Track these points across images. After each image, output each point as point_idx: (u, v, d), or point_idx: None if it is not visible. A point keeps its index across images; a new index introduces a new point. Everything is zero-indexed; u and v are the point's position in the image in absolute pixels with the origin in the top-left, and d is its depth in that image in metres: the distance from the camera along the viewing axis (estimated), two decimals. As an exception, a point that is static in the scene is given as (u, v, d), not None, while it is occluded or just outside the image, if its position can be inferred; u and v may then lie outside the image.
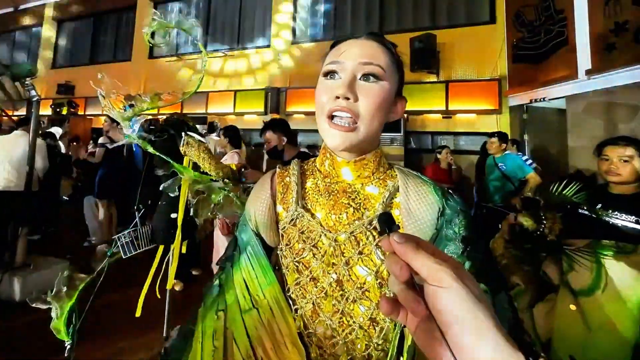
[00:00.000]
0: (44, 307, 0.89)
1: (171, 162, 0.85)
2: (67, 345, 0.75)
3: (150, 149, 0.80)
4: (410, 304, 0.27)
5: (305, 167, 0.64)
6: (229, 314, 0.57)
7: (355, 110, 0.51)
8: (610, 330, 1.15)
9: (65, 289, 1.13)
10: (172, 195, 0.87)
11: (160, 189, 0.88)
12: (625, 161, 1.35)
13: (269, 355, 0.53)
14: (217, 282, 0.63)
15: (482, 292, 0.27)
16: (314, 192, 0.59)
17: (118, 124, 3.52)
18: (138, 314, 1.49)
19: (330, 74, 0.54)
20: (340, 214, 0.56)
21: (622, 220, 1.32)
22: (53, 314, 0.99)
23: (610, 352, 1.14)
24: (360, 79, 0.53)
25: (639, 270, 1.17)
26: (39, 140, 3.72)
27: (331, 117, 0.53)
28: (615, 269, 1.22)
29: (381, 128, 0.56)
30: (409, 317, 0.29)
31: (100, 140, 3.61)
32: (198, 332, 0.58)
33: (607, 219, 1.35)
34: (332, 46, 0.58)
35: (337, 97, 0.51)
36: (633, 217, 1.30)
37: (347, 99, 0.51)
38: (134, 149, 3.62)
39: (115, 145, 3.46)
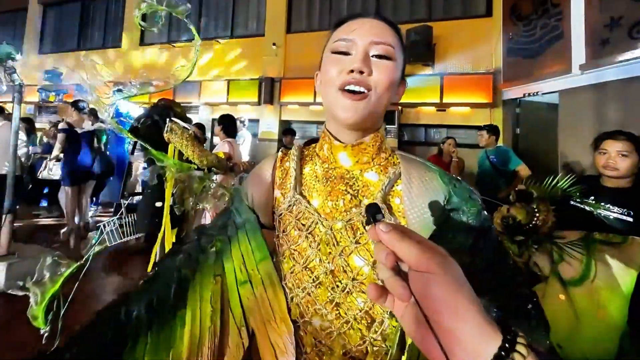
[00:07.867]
0: (21, 293, 0.85)
1: (149, 148, 0.81)
2: (44, 332, 0.72)
3: (127, 135, 0.76)
4: (396, 289, 0.29)
5: (306, 152, 0.63)
6: (226, 283, 0.58)
7: (368, 82, 0.51)
8: (598, 319, 1.16)
9: (48, 275, 1.09)
10: (150, 184, 0.83)
11: (142, 178, 0.84)
12: (623, 155, 1.34)
13: (259, 327, 0.53)
14: (213, 249, 0.62)
15: (464, 278, 0.29)
16: (311, 178, 0.58)
17: (79, 110, 3.44)
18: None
19: (340, 51, 0.53)
20: (337, 201, 0.54)
21: (615, 213, 1.33)
22: (32, 301, 0.96)
23: (598, 340, 1.15)
24: (372, 57, 0.52)
25: (627, 261, 1.18)
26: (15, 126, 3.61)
27: (342, 90, 0.52)
28: (605, 259, 1.23)
29: (387, 106, 0.55)
30: (396, 303, 0.31)
31: (60, 125, 3.44)
32: (196, 295, 0.57)
33: (600, 211, 1.36)
34: (338, 24, 0.56)
35: (351, 71, 0.50)
36: (625, 209, 1.31)
37: (362, 72, 0.50)
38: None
39: (84, 130, 3.40)
